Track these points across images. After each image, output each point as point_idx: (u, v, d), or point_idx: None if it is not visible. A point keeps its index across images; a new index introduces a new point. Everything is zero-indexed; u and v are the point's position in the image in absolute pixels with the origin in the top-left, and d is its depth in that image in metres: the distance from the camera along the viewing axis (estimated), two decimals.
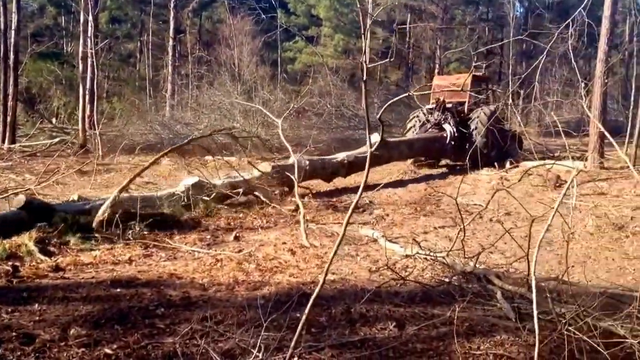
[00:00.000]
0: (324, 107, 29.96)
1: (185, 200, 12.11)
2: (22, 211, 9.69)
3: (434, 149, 21.38)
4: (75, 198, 11.74)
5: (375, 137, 14.92)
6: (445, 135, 21.47)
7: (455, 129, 21.35)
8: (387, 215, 13.12)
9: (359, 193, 5.37)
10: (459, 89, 19.87)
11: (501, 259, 9.33)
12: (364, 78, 5.33)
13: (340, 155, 17.01)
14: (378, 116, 8.37)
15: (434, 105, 22.59)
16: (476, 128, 20.94)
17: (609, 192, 15.56)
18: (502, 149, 20.31)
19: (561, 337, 5.40)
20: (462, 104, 22.80)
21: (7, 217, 9.80)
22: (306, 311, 4.81)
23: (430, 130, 21.84)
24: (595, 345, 5.12)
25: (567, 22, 12.08)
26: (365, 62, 5.22)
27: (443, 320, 6.10)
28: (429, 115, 22.43)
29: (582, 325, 5.53)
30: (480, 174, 19.04)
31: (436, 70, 49.98)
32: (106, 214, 10.14)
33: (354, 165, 16.64)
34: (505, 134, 20.32)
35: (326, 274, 5.05)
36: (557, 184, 16.21)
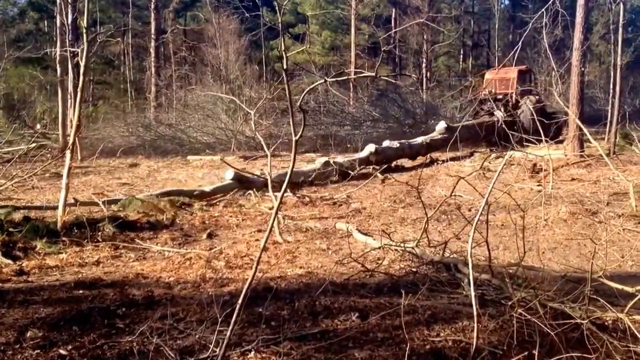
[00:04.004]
0: (308, 103, 29.90)
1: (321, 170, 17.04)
2: None
3: (487, 132, 24.58)
4: None
5: (442, 124, 23.33)
6: (496, 120, 25.16)
7: (504, 115, 25.26)
8: (365, 208, 13.07)
9: (284, 184, 5.30)
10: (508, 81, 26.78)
11: (475, 249, 9.27)
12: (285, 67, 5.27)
13: (420, 139, 22.20)
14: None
15: (486, 97, 27.64)
16: (523, 112, 25.78)
17: (588, 179, 15.56)
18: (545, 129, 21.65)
19: (520, 321, 5.35)
20: (510, 94, 27.59)
21: None
22: (238, 306, 4.69)
23: (482, 117, 26.53)
24: (545, 327, 5.09)
25: (540, 11, 12.08)
26: (285, 52, 5.16)
27: (407, 310, 6.01)
28: (482, 105, 27.45)
29: (538, 308, 5.49)
30: (464, 166, 19.10)
31: (423, 64, 50.09)
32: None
33: (431, 146, 22.06)
34: (548, 117, 22.00)
35: (257, 265, 4.93)
36: (534, 172, 16.29)
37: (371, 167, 18.00)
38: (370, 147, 19.52)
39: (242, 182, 15.13)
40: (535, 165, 16.82)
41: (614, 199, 12.84)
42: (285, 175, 15.75)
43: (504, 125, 22.67)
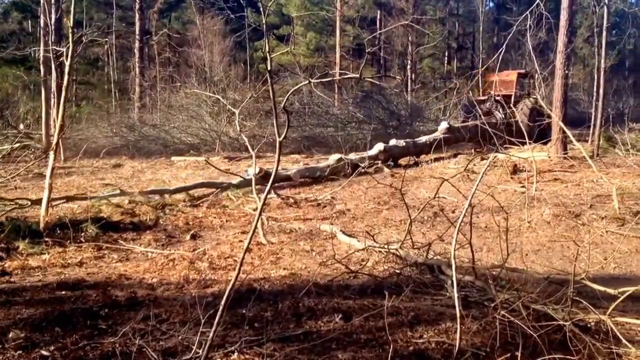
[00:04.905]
0: (293, 105, 29.87)
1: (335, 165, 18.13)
2: None
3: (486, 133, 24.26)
4: None
5: (444, 124, 24.47)
6: (495, 121, 25.75)
7: (503, 116, 26.11)
8: (349, 210, 13.06)
9: (270, 182, 5.29)
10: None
11: (458, 250, 9.28)
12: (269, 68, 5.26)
13: (424, 138, 23.36)
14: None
15: (485, 98, 28.74)
16: (521, 109, 26.58)
17: (571, 181, 15.62)
18: (541, 131, 23.17)
19: (503, 322, 5.36)
20: (509, 96, 28.61)
21: None
22: (221, 307, 4.69)
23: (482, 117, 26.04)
24: (528, 329, 5.12)
25: (525, 14, 12.11)
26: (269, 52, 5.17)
27: (390, 311, 6.02)
28: (481, 105, 27.48)
29: (521, 310, 5.51)
30: (448, 167, 19.13)
31: (408, 66, 50.14)
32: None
33: (436, 145, 22.19)
34: (543, 119, 22.81)
35: (240, 267, 4.93)
36: (514, 173, 16.40)
37: (362, 168, 18.01)
38: (379, 146, 20.78)
39: (265, 178, 15.11)
40: (515, 165, 16.90)
41: (597, 202, 12.88)
42: (304, 169, 17.82)
43: (501, 127, 23.62)
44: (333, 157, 19.06)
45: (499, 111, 27.27)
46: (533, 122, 23.88)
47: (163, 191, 14.28)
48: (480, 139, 24.68)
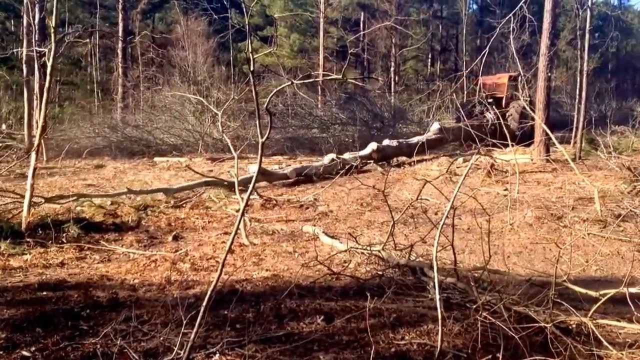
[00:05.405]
0: (276, 106, 29.84)
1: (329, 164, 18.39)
2: None
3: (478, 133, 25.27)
4: None
5: (436, 125, 25.77)
6: (486, 122, 26.51)
7: (494, 117, 26.06)
8: (332, 211, 13.08)
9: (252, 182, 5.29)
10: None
11: (440, 252, 9.30)
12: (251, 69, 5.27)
13: (416, 138, 23.70)
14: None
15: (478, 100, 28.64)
16: (511, 115, 27.90)
17: (553, 183, 15.70)
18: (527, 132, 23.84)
19: (485, 324, 5.38)
20: (500, 98, 30.07)
21: None
22: (202, 308, 4.68)
23: (474, 118, 27.55)
24: (509, 331, 5.16)
25: (508, 16, 12.14)
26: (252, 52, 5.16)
27: (372, 313, 6.03)
28: (473, 107, 28.64)
29: (503, 312, 5.54)
30: (431, 169, 19.17)
31: (392, 68, 50.24)
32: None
33: (427, 145, 22.33)
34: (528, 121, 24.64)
35: (222, 268, 4.93)
36: (488, 175, 16.50)
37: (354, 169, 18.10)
38: (373, 146, 21.28)
39: (264, 175, 16.88)
40: (492, 165, 16.98)
41: (579, 204, 12.96)
42: (300, 168, 18.35)
43: (492, 128, 23.91)
44: (328, 157, 19.59)
45: (490, 113, 27.51)
46: (522, 124, 24.71)
47: (166, 190, 14.43)
48: (472, 138, 25.55)
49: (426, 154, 22.47)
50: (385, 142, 22.18)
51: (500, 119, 24.22)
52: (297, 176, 17.72)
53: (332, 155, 19.70)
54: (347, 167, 17.84)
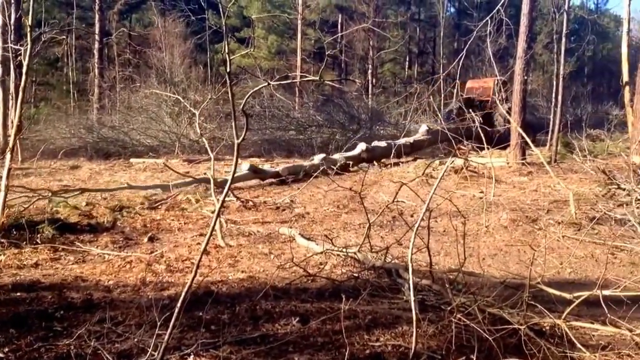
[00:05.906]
0: (253, 107, 29.85)
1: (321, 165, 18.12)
2: None
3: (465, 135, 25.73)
4: None
5: (424, 127, 26.77)
6: (473, 125, 26.13)
7: (481, 120, 25.59)
8: (308, 213, 13.07)
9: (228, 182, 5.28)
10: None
11: (416, 254, 9.32)
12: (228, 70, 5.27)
13: (404, 140, 24.82)
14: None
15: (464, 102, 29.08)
16: (497, 119, 28.56)
17: (528, 186, 15.78)
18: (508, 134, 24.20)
19: (459, 326, 5.40)
20: (487, 101, 30.55)
21: None
22: (177, 309, 4.67)
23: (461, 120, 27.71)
24: (484, 333, 5.19)
25: (485, 20, 12.19)
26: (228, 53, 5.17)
27: (347, 314, 6.03)
28: (460, 109, 28.20)
29: (477, 314, 5.56)
30: (407, 172, 19.21)
31: (369, 70, 50.32)
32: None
33: (414, 146, 25.03)
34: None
35: (197, 269, 4.93)
36: (457, 172, 16.63)
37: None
38: (362, 146, 22.11)
39: (256, 172, 17.66)
40: (462, 167, 17.05)
41: (554, 207, 13.03)
42: (291, 166, 18.75)
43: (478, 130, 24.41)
44: (318, 157, 20.04)
45: (477, 115, 27.10)
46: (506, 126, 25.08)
47: (164, 186, 15.03)
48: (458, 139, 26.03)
49: (410, 156, 23.60)
50: (375, 142, 23.09)
51: (487, 122, 24.98)
52: (288, 174, 18.02)
53: (323, 155, 20.29)
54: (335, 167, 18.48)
